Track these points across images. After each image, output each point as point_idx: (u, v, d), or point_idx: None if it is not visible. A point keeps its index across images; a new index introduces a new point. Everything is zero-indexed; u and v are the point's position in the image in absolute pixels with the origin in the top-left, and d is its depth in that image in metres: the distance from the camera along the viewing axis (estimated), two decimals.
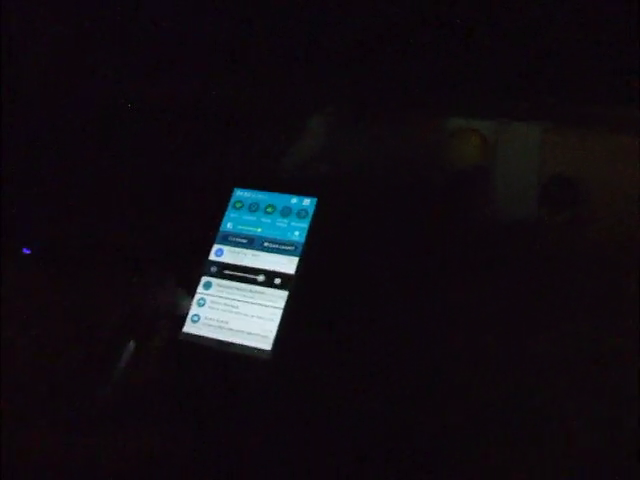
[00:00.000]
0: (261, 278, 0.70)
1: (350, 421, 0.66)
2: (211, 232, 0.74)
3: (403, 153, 0.80)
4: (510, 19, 0.72)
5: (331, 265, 0.73)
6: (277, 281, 0.70)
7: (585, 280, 0.71)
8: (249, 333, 0.69)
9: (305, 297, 0.70)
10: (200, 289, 0.71)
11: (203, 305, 0.70)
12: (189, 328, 0.70)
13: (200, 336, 0.69)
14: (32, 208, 0.85)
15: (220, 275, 0.72)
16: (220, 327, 0.69)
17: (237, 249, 0.73)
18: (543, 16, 0.72)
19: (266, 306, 0.69)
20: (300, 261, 0.71)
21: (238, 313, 0.70)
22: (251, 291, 0.70)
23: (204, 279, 0.72)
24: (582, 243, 0.74)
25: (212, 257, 0.73)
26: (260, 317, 0.69)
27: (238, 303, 0.70)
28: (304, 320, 0.69)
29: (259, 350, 0.67)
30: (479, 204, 0.77)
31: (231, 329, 0.69)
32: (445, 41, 0.74)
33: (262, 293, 0.70)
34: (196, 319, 0.71)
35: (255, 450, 0.64)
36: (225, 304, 0.70)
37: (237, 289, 0.71)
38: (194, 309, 0.71)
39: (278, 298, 0.69)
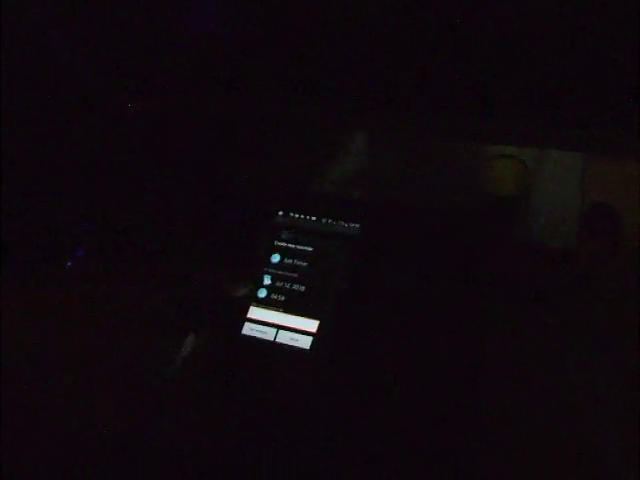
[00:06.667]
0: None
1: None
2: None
3: (444, 179, 0.80)
4: (553, 49, 0.73)
5: (372, 289, 0.74)
6: None
7: (626, 309, 0.71)
8: None
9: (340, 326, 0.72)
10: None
11: None
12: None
13: None
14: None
15: None
16: None
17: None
18: (586, 47, 0.72)
19: None
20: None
21: None
22: None
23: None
24: (623, 272, 0.74)
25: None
26: None
27: None
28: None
29: None
30: (519, 231, 0.78)
31: None
32: (489, 69, 0.75)
33: None
34: None
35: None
36: None
37: None
38: None
39: None
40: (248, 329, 0.72)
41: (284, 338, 0.71)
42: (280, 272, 0.74)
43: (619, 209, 0.75)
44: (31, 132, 0.93)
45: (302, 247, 0.75)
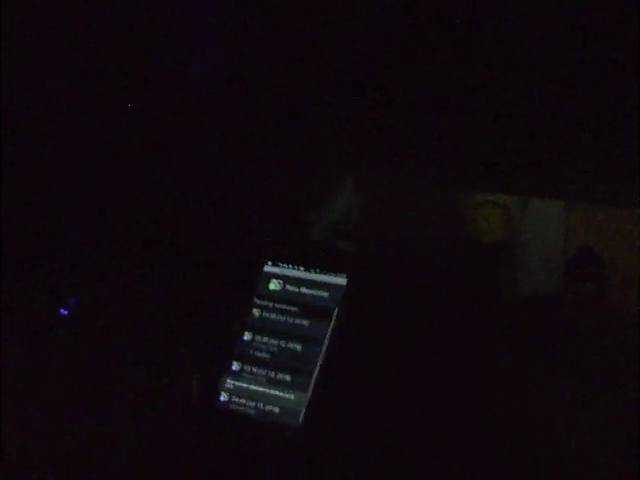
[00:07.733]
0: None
1: None
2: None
3: (429, 228, 0.80)
4: (538, 97, 0.72)
5: (361, 339, 0.75)
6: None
7: (612, 355, 0.72)
8: None
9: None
10: None
11: None
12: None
13: None
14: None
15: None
16: None
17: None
18: (570, 95, 0.71)
19: None
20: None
21: None
22: None
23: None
24: (608, 318, 0.74)
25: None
26: None
27: None
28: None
29: None
30: (505, 279, 0.78)
31: None
32: (473, 117, 0.74)
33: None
34: None
35: None
36: None
37: None
38: None
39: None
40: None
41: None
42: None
43: (604, 255, 0.75)
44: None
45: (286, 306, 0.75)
